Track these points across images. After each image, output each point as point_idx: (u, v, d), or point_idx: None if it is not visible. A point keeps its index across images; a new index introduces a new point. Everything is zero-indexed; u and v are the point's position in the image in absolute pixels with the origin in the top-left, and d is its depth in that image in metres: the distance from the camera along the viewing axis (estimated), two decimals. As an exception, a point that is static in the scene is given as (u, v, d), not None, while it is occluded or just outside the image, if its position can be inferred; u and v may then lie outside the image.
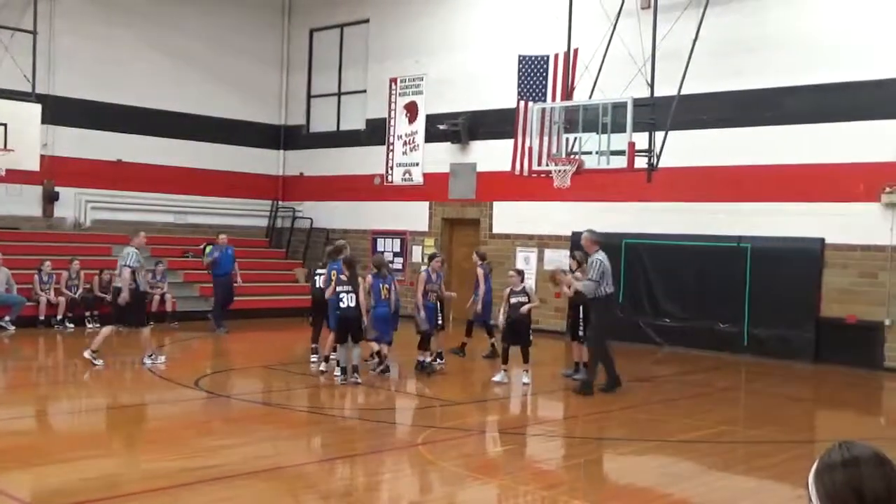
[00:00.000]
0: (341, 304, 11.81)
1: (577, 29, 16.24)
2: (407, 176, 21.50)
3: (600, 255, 11.63)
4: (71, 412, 10.72)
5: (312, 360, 13.38)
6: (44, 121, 17.48)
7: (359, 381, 11.78)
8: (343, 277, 12.00)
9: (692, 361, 15.50)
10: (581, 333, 12.57)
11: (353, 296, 11.87)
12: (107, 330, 13.16)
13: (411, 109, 21.45)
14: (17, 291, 16.65)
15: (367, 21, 22.50)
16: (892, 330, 14.71)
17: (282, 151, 24.38)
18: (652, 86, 14.69)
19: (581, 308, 12.56)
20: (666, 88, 14.69)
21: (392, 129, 21.80)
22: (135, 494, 6.55)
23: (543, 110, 15.95)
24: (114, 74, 20.75)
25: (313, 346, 13.54)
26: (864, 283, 15.01)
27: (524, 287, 12.58)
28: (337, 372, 11.99)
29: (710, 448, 9.08)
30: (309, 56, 24.04)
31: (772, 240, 15.76)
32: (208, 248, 19.80)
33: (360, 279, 12.24)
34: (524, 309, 12.20)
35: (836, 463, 2.00)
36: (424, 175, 21.14)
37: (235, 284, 17.79)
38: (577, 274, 12.52)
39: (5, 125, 15.99)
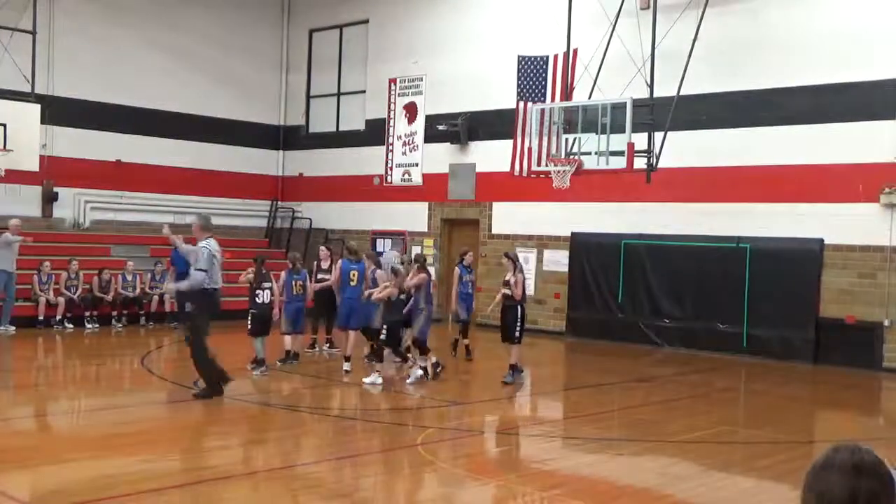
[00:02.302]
0: (257, 300, 12.40)
1: (577, 29, 16.24)
2: (406, 176, 21.50)
3: (210, 243, 10.56)
4: (70, 412, 10.72)
5: (307, 352, 13.91)
6: (43, 121, 17.47)
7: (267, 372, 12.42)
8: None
9: (691, 362, 15.50)
10: (518, 335, 12.36)
11: (268, 292, 12.45)
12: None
13: (411, 110, 21.45)
14: (15, 293, 16.57)
15: (366, 21, 22.50)
16: (891, 330, 14.72)
17: (281, 152, 24.38)
18: (651, 86, 14.69)
19: (518, 309, 12.39)
20: (665, 89, 14.70)
21: (391, 129, 21.80)
22: (133, 495, 6.54)
23: (543, 111, 15.96)
24: (113, 74, 20.74)
25: (312, 337, 14.08)
26: (863, 284, 15.02)
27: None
28: (251, 366, 12.39)
29: (709, 448, 9.08)
30: (308, 56, 24.04)
31: (771, 240, 15.77)
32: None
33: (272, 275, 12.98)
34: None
35: (818, 465, 2.00)
36: (424, 175, 21.14)
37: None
38: (510, 277, 12.37)
39: (4, 125, 15.98)
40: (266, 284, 12.52)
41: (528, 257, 18.10)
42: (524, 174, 18.06)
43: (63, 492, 6.72)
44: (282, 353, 13.33)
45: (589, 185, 16.50)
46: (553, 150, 15.26)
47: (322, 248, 15.03)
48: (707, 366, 15.15)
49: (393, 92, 21.74)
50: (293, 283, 13.25)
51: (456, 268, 14.75)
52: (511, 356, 12.51)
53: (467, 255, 14.82)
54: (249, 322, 12.49)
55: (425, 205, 21.13)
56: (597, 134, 14.29)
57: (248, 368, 12.36)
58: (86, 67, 20.26)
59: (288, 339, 13.34)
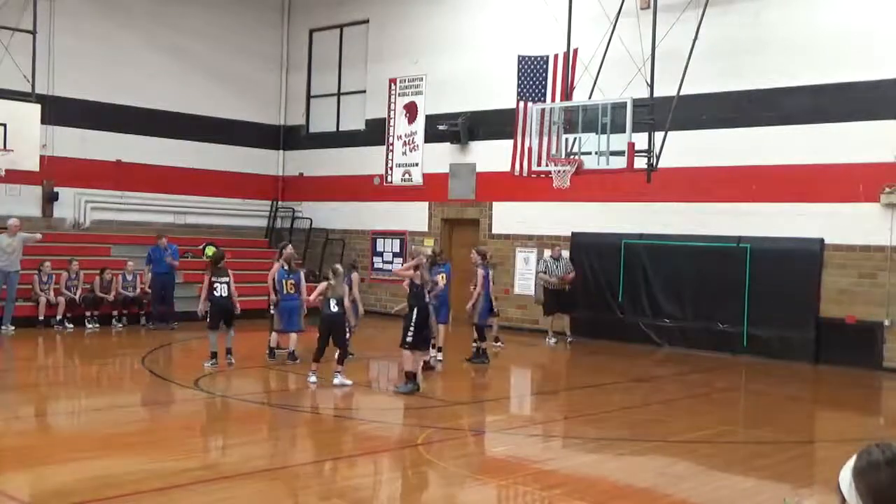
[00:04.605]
0: (214, 293, 12.95)
1: (577, 29, 16.24)
2: (406, 176, 21.50)
3: None
4: (70, 412, 10.72)
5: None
6: (43, 121, 17.43)
7: (232, 362, 12.90)
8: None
9: (692, 362, 15.50)
10: (409, 341, 11.26)
11: (226, 286, 13.03)
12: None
13: (411, 110, 21.45)
14: (15, 293, 16.56)
15: (366, 21, 22.50)
16: (892, 330, 14.71)
17: (281, 152, 24.38)
18: (651, 86, 14.70)
19: (414, 312, 11.35)
20: (665, 88, 14.70)
21: (391, 129, 21.80)
22: (133, 495, 6.54)
23: (543, 110, 15.97)
24: (113, 74, 20.74)
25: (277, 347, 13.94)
26: (863, 284, 15.01)
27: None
28: (208, 363, 12.76)
29: (709, 448, 9.08)
30: (308, 56, 24.04)
31: (771, 240, 15.76)
32: (207, 249, 19.83)
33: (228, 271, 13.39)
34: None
35: (880, 462, 2.02)
36: (424, 175, 21.14)
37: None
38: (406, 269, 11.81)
39: (5, 125, 15.95)
40: (223, 279, 13.04)
41: (528, 257, 18.10)
42: (524, 174, 18.07)
43: (63, 492, 6.72)
44: (273, 352, 13.68)
45: (589, 185, 16.49)
46: (553, 150, 15.26)
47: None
48: (707, 366, 15.14)
49: (393, 92, 21.74)
50: (285, 282, 13.34)
51: (479, 269, 14.70)
52: (406, 362, 11.41)
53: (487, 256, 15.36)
54: (209, 317, 13.06)
55: (425, 205, 21.13)
56: (597, 134, 14.29)
57: (204, 365, 12.73)
58: (86, 67, 20.25)
59: (274, 336, 13.66)
